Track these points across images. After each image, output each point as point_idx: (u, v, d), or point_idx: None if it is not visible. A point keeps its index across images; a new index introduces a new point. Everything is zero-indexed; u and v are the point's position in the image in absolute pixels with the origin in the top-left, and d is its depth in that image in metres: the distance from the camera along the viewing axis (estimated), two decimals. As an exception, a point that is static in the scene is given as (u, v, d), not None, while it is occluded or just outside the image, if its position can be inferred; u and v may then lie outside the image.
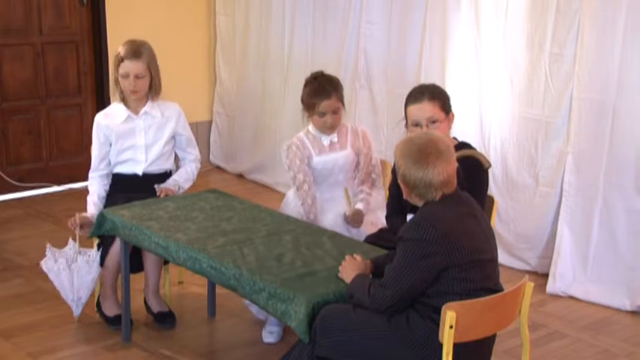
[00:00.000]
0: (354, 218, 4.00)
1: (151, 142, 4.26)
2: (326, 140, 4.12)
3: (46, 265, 4.08)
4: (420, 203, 2.96)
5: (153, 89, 4.24)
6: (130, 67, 4.14)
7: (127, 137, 4.25)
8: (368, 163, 4.18)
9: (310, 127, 4.15)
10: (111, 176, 4.33)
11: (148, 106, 4.25)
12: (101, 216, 3.91)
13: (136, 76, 4.15)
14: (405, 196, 3.02)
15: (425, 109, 3.53)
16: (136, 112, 4.25)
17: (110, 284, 4.18)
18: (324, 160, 4.10)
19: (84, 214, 4.14)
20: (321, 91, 4.02)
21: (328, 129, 4.08)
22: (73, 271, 4.05)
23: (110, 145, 4.26)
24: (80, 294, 4.12)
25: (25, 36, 6.18)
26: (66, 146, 6.40)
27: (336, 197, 4.09)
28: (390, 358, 2.88)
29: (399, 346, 2.85)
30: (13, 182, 6.20)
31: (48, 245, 4.09)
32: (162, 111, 4.28)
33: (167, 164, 4.34)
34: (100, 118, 4.30)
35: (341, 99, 4.09)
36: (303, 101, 4.10)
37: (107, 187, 4.32)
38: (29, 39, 6.20)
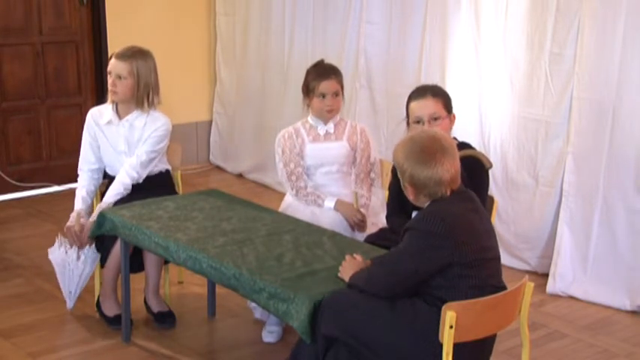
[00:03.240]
0: (360, 224, 4.03)
1: (130, 151, 4.22)
2: (322, 130, 4.17)
3: (52, 254, 4.13)
4: (426, 204, 2.95)
5: (139, 98, 4.17)
6: (114, 65, 4.14)
7: (109, 140, 4.24)
8: (366, 161, 4.19)
9: (309, 117, 4.20)
10: (102, 171, 4.33)
11: (133, 115, 4.20)
12: (101, 216, 3.91)
13: (118, 76, 4.13)
14: (412, 199, 3.00)
15: (428, 105, 3.54)
16: (120, 118, 4.23)
17: (110, 284, 4.18)
18: (316, 148, 4.15)
19: (71, 221, 4.12)
20: (322, 73, 4.11)
21: (328, 112, 4.12)
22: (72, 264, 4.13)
23: (97, 140, 4.27)
24: (70, 288, 4.18)
25: (25, 36, 6.18)
26: (66, 146, 6.40)
27: (329, 187, 4.14)
28: (391, 342, 2.87)
29: (402, 333, 2.85)
30: (13, 182, 6.20)
31: (59, 236, 4.13)
32: (146, 122, 4.20)
33: (160, 166, 4.32)
34: (91, 114, 4.31)
35: (341, 83, 4.16)
36: (303, 89, 4.15)
37: (98, 183, 4.31)
38: (29, 39, 6.20)
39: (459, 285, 2.82)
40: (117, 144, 4.23)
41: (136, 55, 4.16)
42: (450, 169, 2.87)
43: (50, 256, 4.17)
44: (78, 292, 4.23)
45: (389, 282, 2.86)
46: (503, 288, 2.97)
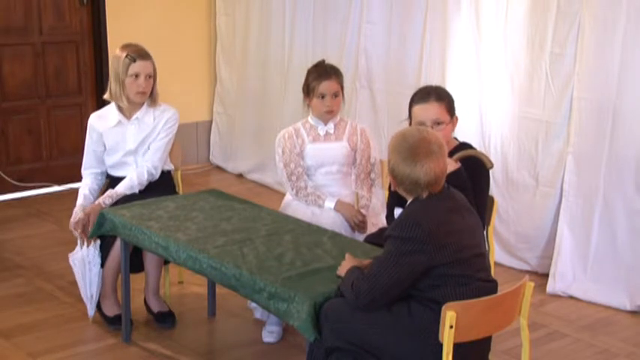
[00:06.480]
0: (360, 225, 4.04)
1: (140, 147, 4.24)
2: (322, 130, 4.17)
3: (72, 257, 4.11)
4: (408, 197, 2.97)
5: (154, 93, 4.24)
6: (142, 66, 4.13)
7: (117, 142, 4.24)
8: (366, 161, 4.20)
9: (310, 117, 4.20)
10: (105, 174, 4.34)
11: (142, 112, 4.23)
12: (101, 216, 3.91)
13: (147, 76, 4.15)
14: (392, 187, 3.04)
15: (431, 110, 3.53)
16: (128, 117, 4.24)
17: (110, 284, 4.18)
18: (316, 148, 4.15)
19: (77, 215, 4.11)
20: (323, 73, 4.10)
21: (327, 113, 4.12)
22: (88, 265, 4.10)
23: (103, 145, 4.27)
24: (91, 290, 4.14)
25: (25, 36, 6.18)
26: (66, 146, 6.41)
27: (329, 187, 4.15)
28: (391, 346, 2.88)
29: (400, 335, 2.86)
30: (13, 182, 6.20)
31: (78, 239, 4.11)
32: (155, 116, 4.25)
33: (164, 166, 4.33)
34: (93, 120, 4.29)
35: (341, 84, 4.16)
36: (304, 89, 4.16)
37: (101, 184, 4.32)
38: (29, 39, 6.20)
39: (447, 283, 2.83)
40: (126, 144, 4.23)
41: (147, 51, 4.20)
42: (429, 172, 2.87)
43: (71, 261, 4.13)
44: (97, 296, 4.18)
45: (373, 294, 2.85)
46: (493, 282, 2.98)
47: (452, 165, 3.31)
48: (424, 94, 3.59)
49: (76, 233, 4.07)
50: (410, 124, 3.62)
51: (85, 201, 4.19)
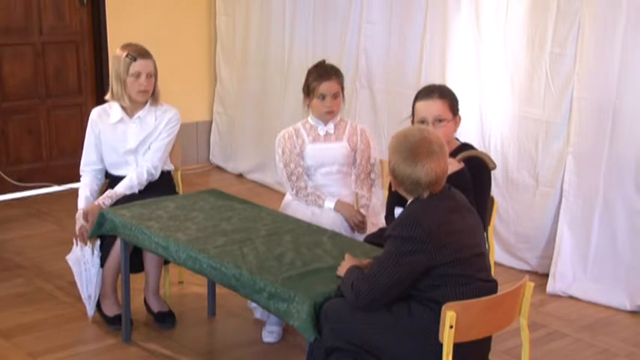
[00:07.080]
0: (360, 225, 4.04)
1: (141, 147, 4.24)
2: (322, 130, 4.17)
3: (70, 257, 4.10)
4: (409, 197, 2.98)
5: (156, 93, 4.24)
6: (144, 64, 4.14)
7: (117, 140, 4.24)
8: (366, 162, 4.20)
9: (310, 117, 4.21)
10: (105, 172, 4.33)
11: (144, 111, 4.23)
12: (101, 216, 3.91)
13: (148, 75, 4.15)
14: (393, 188, 3.05)
15: (434, 106, 3.54)
16: (130, 116, 4.24)
17: (110, 284, 4.17)
18: (316, 148, 4.15)
19: (81, 220, 4.10)
20: (323, 74, 4.10)
21: (327, 113, 4.12)
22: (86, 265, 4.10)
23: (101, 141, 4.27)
24: (89, 290, 4.13)
25: (25, 36, 6.18)
26: (66, 146, 6.41)
27: (329, 187, 4.15)
28: (391, 346, 2.88)
29: (400, 335, 2.86)
30: (13, 182, 6.20)
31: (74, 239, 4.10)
32: (157, 116, 4.25)
33: (164, 166, 4.33)
34: (95, 115, 4.29)
35: (341, 85, 4.16)
36: (304, 89, 4.16)
37: (101, 183, 4.31)
38: (29, 39, 6.20)
39: (447, 283, 2.83)
40: (126, 142, 4.23)
41: (147, 50, 4.20)
42: (430, 172, 2.88)
43: (69, 261, 4.13)
44: (96, 296, 4.17)
45: (373, 295, 2.86)
46: (493, 282, 2.99)
47: (455, 165, 3.32)
48: (428, 91, 3.62)
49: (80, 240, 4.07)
50: (412, 121, 3.62)
51: (86, 203, 4.17)
